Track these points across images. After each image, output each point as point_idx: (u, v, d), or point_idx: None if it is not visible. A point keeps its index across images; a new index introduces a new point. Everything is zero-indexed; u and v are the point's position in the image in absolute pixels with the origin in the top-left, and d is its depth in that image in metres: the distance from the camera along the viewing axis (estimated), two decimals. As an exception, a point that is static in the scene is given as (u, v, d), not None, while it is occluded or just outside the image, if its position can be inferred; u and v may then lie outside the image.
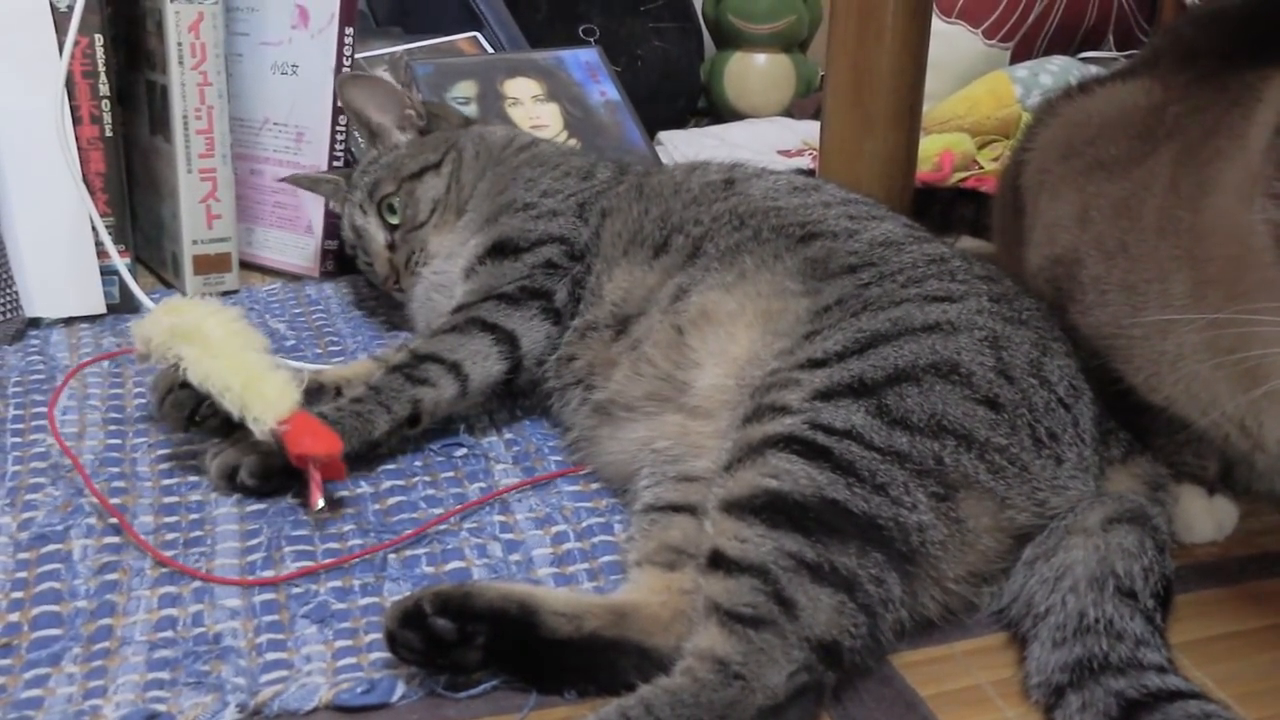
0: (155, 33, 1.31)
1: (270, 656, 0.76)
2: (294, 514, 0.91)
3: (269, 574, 0.84)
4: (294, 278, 1.43)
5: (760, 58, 2.07)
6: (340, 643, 0.77)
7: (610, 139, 1.52)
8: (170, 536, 0.89)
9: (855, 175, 1.20)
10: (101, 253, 1.27)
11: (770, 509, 0.71)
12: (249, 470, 0.92)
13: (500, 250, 1.07)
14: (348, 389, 1.02)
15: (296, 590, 0.82)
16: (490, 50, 1.64)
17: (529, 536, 0.89)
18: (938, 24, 1.70)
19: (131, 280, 1.26)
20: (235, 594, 0.82)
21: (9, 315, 1.23)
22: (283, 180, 1.36)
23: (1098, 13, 2.06)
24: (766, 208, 0.98)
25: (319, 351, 1.22)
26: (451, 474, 0.98)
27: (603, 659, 0.73)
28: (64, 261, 1.26)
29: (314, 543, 0.88)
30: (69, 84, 1.24)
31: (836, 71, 1.22)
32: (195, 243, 1.33)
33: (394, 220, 1.17)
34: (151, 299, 1.21)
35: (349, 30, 1.37)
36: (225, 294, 1.35)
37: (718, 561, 0.71)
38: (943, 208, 1.42)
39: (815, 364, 0.79)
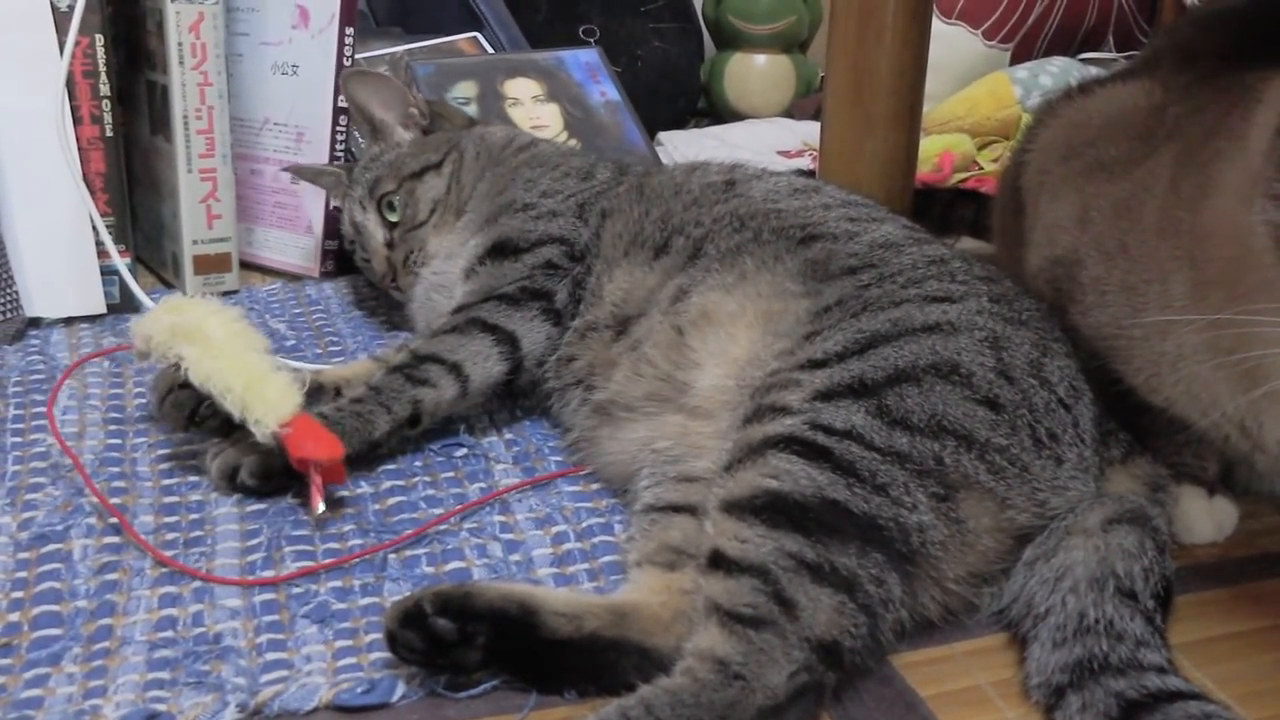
0: (156, 33, 1.31)
1: (270, 656, 0.76)
2: (294, 514, 0.91)
3: (269, 574, 0.84)
4: (294, 278, 1.43)
5: (760, 58, 2.07)
6: (340, 643, 0.78)
7: (610, 139, 1.52)
8: (170, 536, 0.89)
9: (855, 176, 1.20)
10: (102, 252, 1.27)
11: (771, 509, 0.72)
12: (249, 470, 0.92)
13: (500, 251, 1.07)
14: (347, 389, 1.02)
15: (297, 590, 0.82)
16: (490, 50, 1.64)
17: (529, 537, 0.89)
18: (938, 25, 1.70)
19: (132, 280, 1.26)
20: (235, 594, 0.82)
21: (9, 315, 1.23)
22: (285, 170, 1.36)
23: (1098, 14, 2.06)
24: (767, 210, 0.98)
25: (319, 351, 1.22)
26: (452, 474, 0.98)
27: (603, 659, 0.73)
28: (64, 261, 1.26)
29: (314, 543, 0.88)
30: (69, 84, 1.24)
31: (837, 72, 1.22)
32: (195, 242, 1.33)
33: (393, 218, 1.17)
34: (151, 299, 1.21)
35: (349, 30, 1.37)
36: (225, 294, 1.35)
37: (718, 562, 0.71)
38: (943, 208, 1.42)
39: (815, 364, 0.79)
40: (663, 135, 1.85)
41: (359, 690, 0.73)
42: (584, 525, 0.90)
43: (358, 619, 0.80)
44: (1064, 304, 0.90)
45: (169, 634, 0.78)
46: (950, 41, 1.93)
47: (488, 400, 1.04)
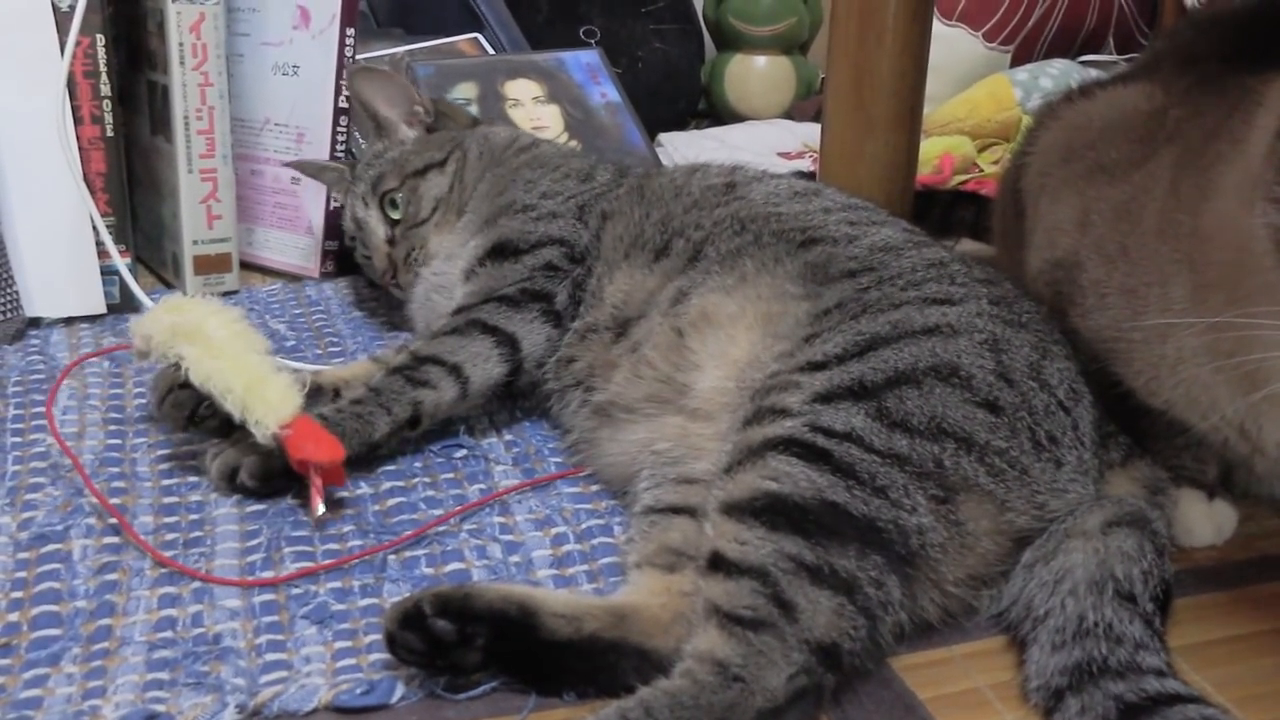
0: (156, 33, 1.31)
1: (270, 657, 0.76)
2: (294, 515, 0.91)
3: (269, 575, 0.84)
4: (294, 278, 1.43)
5: (761, 60, 2.07)
6: (340, 644, 0.78)
7: (611, 140, 1.52)
8: (170, 537, 0.89)
9: (856, 177, 1.20)
10: (102, 253, 1.27)
11: (770, 511, 0.72)
12: (249, 471, 0.92)
13: (500, 252, 1.07)
14: (346, 390, 1.02)
15: (296, 591, 0.82)
16: (491, 51, 1.64)
17: (529, 538, 0.89)
18: (938, 27, 1.70)
19: (132, 280, 1.26)
20: (235, 594, 0.82)
21: (9, 315, 1.23)
22: (287, 165, 1.37)
23: (1098, 16, 2.06)
24: (767, 213, 0.98)
25: (319, 352, 1.22)
26: (451, 475, 0.98)
27: (602, 661, 0.73)
28: (64, 261, 1.26)
29: (314, 543, 0.88)
30: (70, 84, 1.24)
31: (837, 74, 1.22)
32: (195, 243, 1.33)
33: (395, 216, 1.17)
34: (151, 299, 1.21)
35: (350, 31, 1.37)
36: (225, 294, 1.35)
37: (717, 563, 0.71)
38: (943, 210, 1.42)
39: (815, 366, 0.79)
40: (663, 136, 1.85)
41: (358, 691, 0.73)
42: (583, 527, 0.90)
43: (357, 620, 0.80)
44: (1064, 306, 0.90)
45: (168, 634, 0.78)
46: (951, 43, 1.93)
47: (488, 402, 1.04)
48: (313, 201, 1.41)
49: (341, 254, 1.43)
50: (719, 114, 2.10)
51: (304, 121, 1.41)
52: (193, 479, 0.96)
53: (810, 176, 1.32)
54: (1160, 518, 0.81)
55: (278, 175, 1.44)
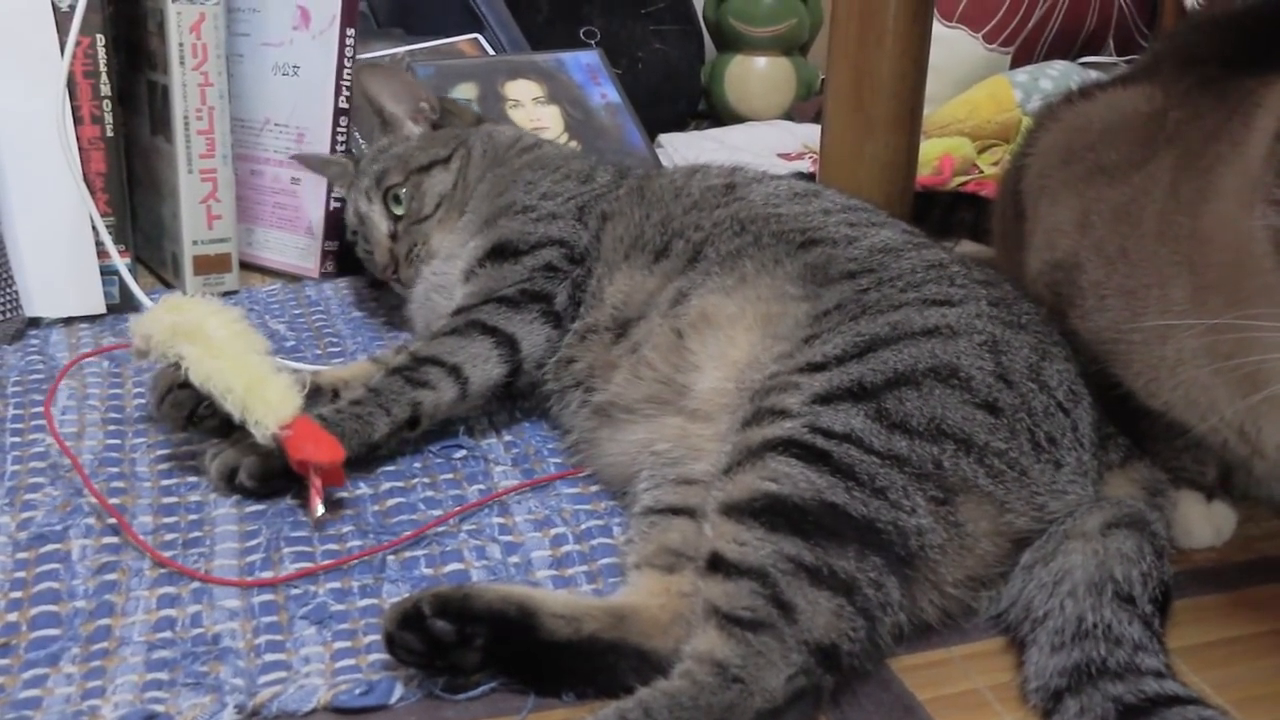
0: (157, 33, 1.31)
1: (269, 657, 0.76)
2: (293, 515, 0.91)
3: (268, 575, 0.84)
4: (294, 278, 1.43)
5: (761, 61, 2.07)
6: (339, 644, 0.78)
7: (611, 141, 1.52)
8: (169, 537, 0.89)
9: (856, 179, 1.21)
10: (101, 253, 1.27)
11: (769, 512, 0.72)
12: (248, 471, 0.92)
13: (500, 253, 1.07)
14: (345, 391, 1.02)
15: (295, 591, 0.82)
16: (491, 52, 1.64)
17: (528, 538, 0.89)
18: (938, 28, 1.70)
19: (132, 280, 1.26)
20: (234, 595, 0.82)
21: (9, 315, 1.23)
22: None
23: (1098, 18, 2.07)
24: (767, 214, 0.98)
25: (319, 353, 1.22)
26: (450, 476, 0.98)
27: (601, 661, 0.73)
28: (64, 261, 1.26)
29: (313, 544, 0.88)
30: (70, 84, 1.24)
31: (837, 75, 1.22)
32: (195, 243, 1.34)
33: (399, 211, 1.17)
34: (151, 299, 1.21)
35: (350, 31, 1.37)
36: (225, 294, 1.35)
37: (717, 564, 0.71)
38: (942, 211, 1.42)
39: (815, 368, 0.79)
40: (663, 137, 1.85)
41: (357, 691, 0.73)
42: (583, 527, 0.90)
43: (356, 620, 0.80)
44: (1063, 308, 0.90)
45: (167, 634, 0.78)
46: (951, 45, 1.93)
47: (487, 402, 1.04)
48: (312, 202, 1.41)
49: (341, 254, 1.43)
50: (719, 115, 2.10)
51: (304, 122, 1.41)
52: (192, 479, 0.96)
53: (810, 178, 1.33)
54: (1159, 519, 0.81)
55: (277, 175, 1.44)
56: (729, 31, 2.07)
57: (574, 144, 1.48)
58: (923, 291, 0.85)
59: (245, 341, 0.93)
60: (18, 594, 0.82)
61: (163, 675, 0.74)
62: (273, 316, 1.30)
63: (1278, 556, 0.89)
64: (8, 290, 1.23)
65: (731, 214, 0.99)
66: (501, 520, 0.92)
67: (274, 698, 0.72)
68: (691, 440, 0.87)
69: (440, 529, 0.90)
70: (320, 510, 0.88)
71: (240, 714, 0.71)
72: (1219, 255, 0.76)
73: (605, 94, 1.57)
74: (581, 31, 1.90)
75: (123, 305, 1.29)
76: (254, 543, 0.88)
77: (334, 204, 1.41)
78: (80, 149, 1.25)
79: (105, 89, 1.27)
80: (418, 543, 0.88)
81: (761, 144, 1.82)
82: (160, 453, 1.00)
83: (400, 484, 0.96)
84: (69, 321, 1.27)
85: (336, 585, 0.83)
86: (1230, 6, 1.06)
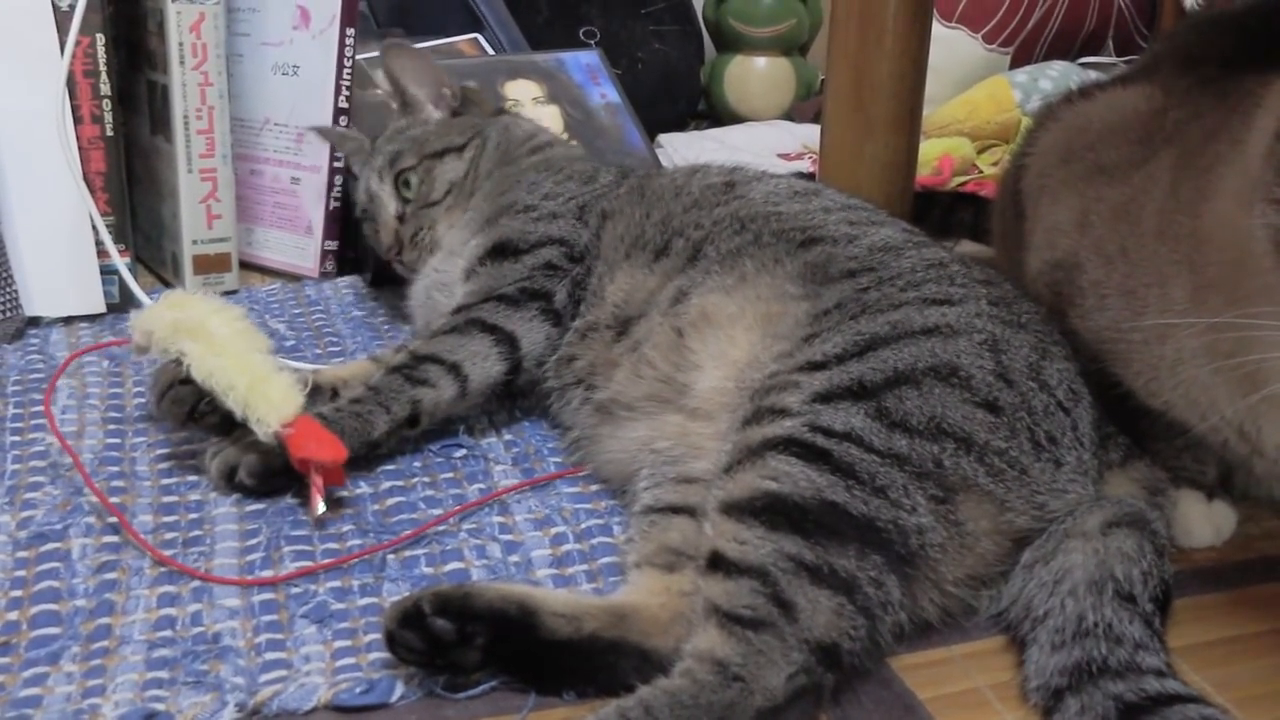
0: (156, 33, 1.31)
1: (269, 656, 0.76)
2: (293, 514, 0.91)
3: (268, 574, 0.84)
4: (293, 278, 1.43)
5: (760, 61, 2.07)
6: (339, 643, 0.77)
7: (610, 141, 1.52)
8: (169, 536, 0.89)
9: (855, 179, 1.21)
10: (101, 252, 1.27)
11: (770, 511, 0.72)
12: (248, 470, 0.92)
13: (500, 252, 1.07)
14: (345, 390, 1.02)
15: (295, 590, 0.82)
16: (491, 52, 1.64)
17: (528, 538, 0.89)
18: (938, 28, 1.70)
19: (131, 279, 1.26)
20: (234, 594, 0.82)
21: (9, 314, 1.23)
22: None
23: (1097, 18, 2.07)
24: (767, 212, 0.98)
25: (318, 352, 1.22)
26: (450, 475, 0.98)
27: (602, 660, 0.73)
28: (64, 260, 1.26)
29: (313, 543, 0.88)
30: (70, 83, 1.24)
31: (837, 75, 1.22)
32: (195, 242, 1.34)
33: (409, 194, 1.17)
34: (151, 298, 1.21)
35: (350, 31, 1.37)
36: (225, 294, 1.35)
37: (717, 563, 0.71)
38: (942, 212, 1.43)
39: (815, 366, 0.79)
40: (663, 137, 1.85)
41: (358, 690, 0.73)
42: (583, 526, 0.90)
43: (356, 619, 0.80)
44: (1063, 307, 0.90)
45: (168, 633, 0.78)
46: (950, 45, 1.93)
47: (487, 401, 1.03)
48: (312, 201, 1.41)
49: (341, 254, 1.43)
50: (719, 115, 2.10)
51: (304, 121, 1.41)
52: (192, 478, 0.96)
53: (810, 178, 1.32)
54: (1160, 518, 0.81)
55: (277, 175, 1.44)
56: (729, 32, 2.07)
57: (574, 144, 1.48)
58: (923, 290, 0.85)
59: (247, 340, 0.94)
60: (18, 593, 0.82)
61: (163, 674, 0.74)
62: (272, 316, 1.30)
63: (1278, 556, 0.89)
64: (7, 289, 1.23)
65: (731, 212, 0.99)
66: (502, 519, 0.92)
67: (274, 696, 0.72)
68: (692, 439, 0.87)
69: (440, 528, 0.90)
70: (321, 509, 0.88)
71: (241, 712, 0.71)
72: (1219, 254, 0.76)
73: (605, 94, 1.57)
74: (581, 32, 1.90)
75: (122, 304, 1.29)
76: (254, 542, 0.88)
77: (334, 204, 1.41)
78: (80, 148, 1.25)
79: (105, 88, 1.27)
80: (418, 542, 0.88)
81: (761, 144, 1.82)
82: (160, 452, 1.00)
83: (400, 483, 0.96)
84: (69, 321, 1.27)
85: (337, 584, 0.83)
86: (1229, 6, 1.06)
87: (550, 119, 1.51)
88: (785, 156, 1.78)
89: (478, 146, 1.18)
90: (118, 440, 1.02)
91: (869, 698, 0.73)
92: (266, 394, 0.89)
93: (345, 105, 1.38)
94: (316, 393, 1.02)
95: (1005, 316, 0.84)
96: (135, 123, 1.40)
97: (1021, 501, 0.77)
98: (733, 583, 0.70)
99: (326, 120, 1.38)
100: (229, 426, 0.94)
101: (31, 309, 1.26)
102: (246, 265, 1.44)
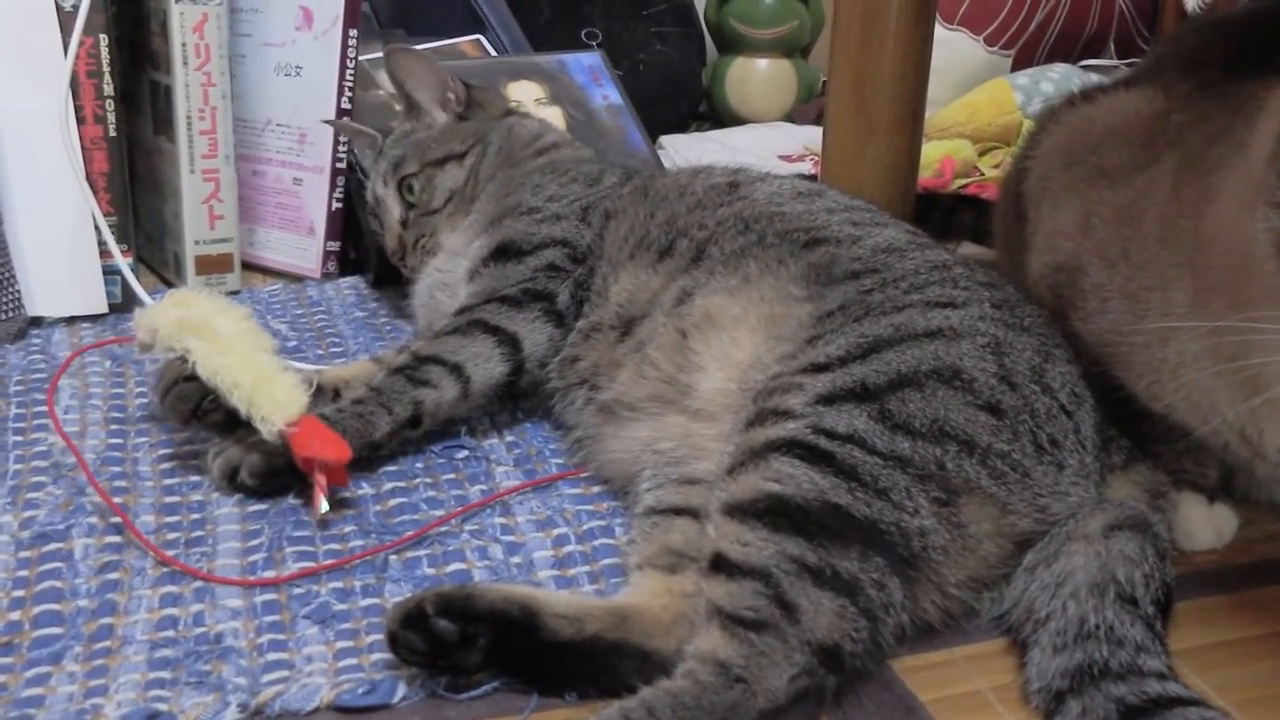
0: (160, 33, 1.31)
1: (271, 657, 0.76)
2: (295, 514, 0.91)
3: (270, 574, 0.84)
4: (296, 279, 1.43)
5: (762, 63, 2.07)
6: (341, 643, 0.78)
7: (612, 142, 1.52)
8: (172, 536, 0.89)
9: (857, 181, 1.21)
10: (104, 252, 1.27)
11: (772, 512, 0.72)
12: (250, 470, 0.92)
13: (504, 253, 1.07)
14: (346, 390, 1.02)
15: (298, 591, 0.82)
16: (493, 53, 1.64)
17: (530, 539, 0.89)
18: (939, 31, 1.70)
19: (134, 279, 1.26)
20: (236, 594, 0.82)
21: (11, 314, 1.23)
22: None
23: (1099, 21, 2.07)
24: (771, 213, 0.98)
25: (320, 353, 1.22)
26: (453, 476, 0.98)
27: (604, 661, 0.73)
28: (66, 260, 1.26)
29: (315, 543, 0.88)
30: (73, 84, 1.25)
31: (839, 77, 1.22)
32: (197, 243, 1.34)
33: (412, 199, 1.18)
34: (153, 299, 1.21)
35: (353, 32, 1.37)
36: (227, 295, 1.35)
37: (720, 564, 0.71)
38: (944, 214, 1.43)
39: (818, 368, 0.79)
40: (664, 139, 1.85)
41: (360, 691, 0.73)
42: (585, 528, 0.90)
43: (359, 620, 0.80)
44: (1065, 310, 0.90)
45: (170, 634, 0.78)
46: (952, 47, 1.93)
47: (489, 402, 1.04)
48: (314, 202, 1.41)
49: (343, 254, 1.43)
50: (720, 117, 2.10)
51: (306, 122, 1.41)
52: (195, 478, 0.96)
53: (812, 180, 1.33)
54: (1161, 521, 0.81)
55: (280, 176, 1.44)
56: (730, 33, 2.07)
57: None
58: (926, 293, 0.85)
59: (252, 339, 0.94)
60: (20, 593, 0.82)
61: (165, 674, 0.74)
62: (274, 316, 1.30)
63: (1279, 559, 0.89)
64: (10, 289, 1.23)
65: (735, 213, 0.99)
66: (504, 520, 0.92)
67: (277, 697, 0.72)
68: (694, 440, 0.87)
69: (442, 529, 0.90)
70: (324, 508, 0.88)
71: (243, 713, 0.71)
72: (1221, 258, 0.76)
73: (607, 95, 1.57)
74: (583, 33, 1.90)
75: (125, 305, 1.29)
76: (256, 542, 0.88)
77: (336, 205, 1.41)
78: (83, 148, 1.26)
79: (108, 89, 1.27)
80: (420, 543, 0.88)
81: (763, 146, 1.83)
82: (163, 452, 1.00)
83: (402, 484, 0.96)
84: (71, 321, 1.28)
85: (339, 585, 0.83)
86: (1232, 10, 1.06)
87: (552, 120, 1.51)
88: (787, 158, 1.78)
89: (478, 153, 1.18)
90: (120, 440, 1.02)
91: (870, 699, 0.73)
92: (271, 393, 0.89)
93: (348, 106, 1.38)
94: (318, 393, 1.02)
95: (1008, 319, 0.84)
96: (138, 123, 1.40)
97: (1024, 504, 0.77)
98: (735, 584, 0.70)
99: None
100: (231, 426, 0.94)
101: (34, 309, 1.26)
102: (248, 266, 1.44)
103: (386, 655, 0.75)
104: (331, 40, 1.37)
